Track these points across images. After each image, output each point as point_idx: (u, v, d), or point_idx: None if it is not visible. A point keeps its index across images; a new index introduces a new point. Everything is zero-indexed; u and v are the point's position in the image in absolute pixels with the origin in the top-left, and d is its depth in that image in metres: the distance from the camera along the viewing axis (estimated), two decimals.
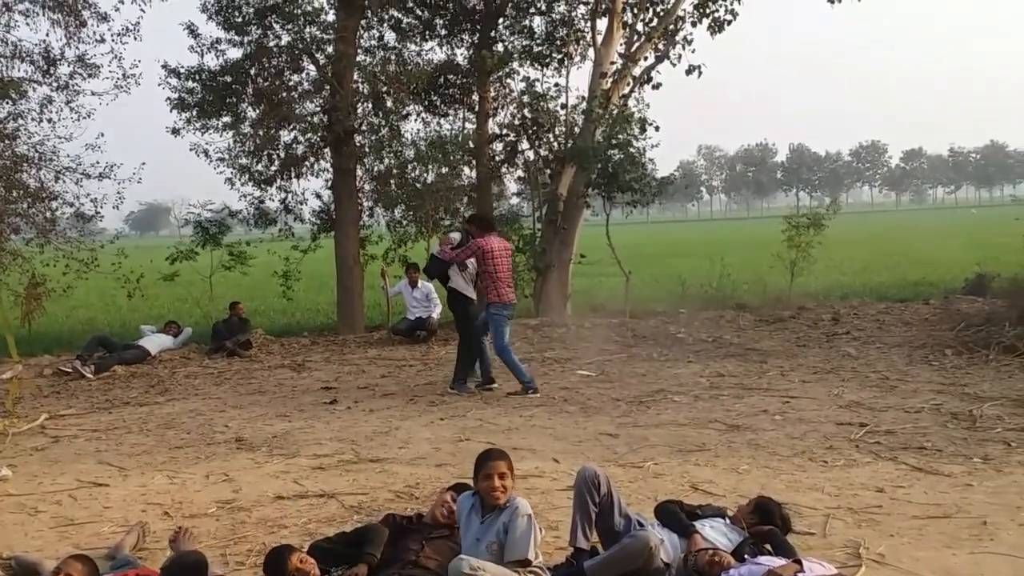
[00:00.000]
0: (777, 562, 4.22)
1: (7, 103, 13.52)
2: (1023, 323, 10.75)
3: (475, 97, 16.65)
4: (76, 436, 8.25)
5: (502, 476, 4.25)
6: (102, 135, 14.61)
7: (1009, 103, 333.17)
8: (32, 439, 8.18)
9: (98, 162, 14.25)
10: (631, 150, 15.36)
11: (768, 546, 4.55)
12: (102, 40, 14.01)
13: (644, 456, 6.86)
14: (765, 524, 4.67)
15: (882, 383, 9.27)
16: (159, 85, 15.06)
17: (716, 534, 4.57)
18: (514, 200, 19.23)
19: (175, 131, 15.26)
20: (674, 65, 16.99)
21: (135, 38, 14.52)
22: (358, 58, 15.41)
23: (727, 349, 11.93)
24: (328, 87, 14.95)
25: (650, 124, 15.70)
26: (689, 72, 16.82)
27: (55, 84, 14.22)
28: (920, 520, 5.19)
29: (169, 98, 15.08)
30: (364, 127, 15.62)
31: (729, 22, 16.93)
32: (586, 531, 4.42)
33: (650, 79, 16.88)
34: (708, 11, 16.84)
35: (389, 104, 15.67)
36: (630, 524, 4.44)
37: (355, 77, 15.29)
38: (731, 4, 16.78)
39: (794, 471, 6.29)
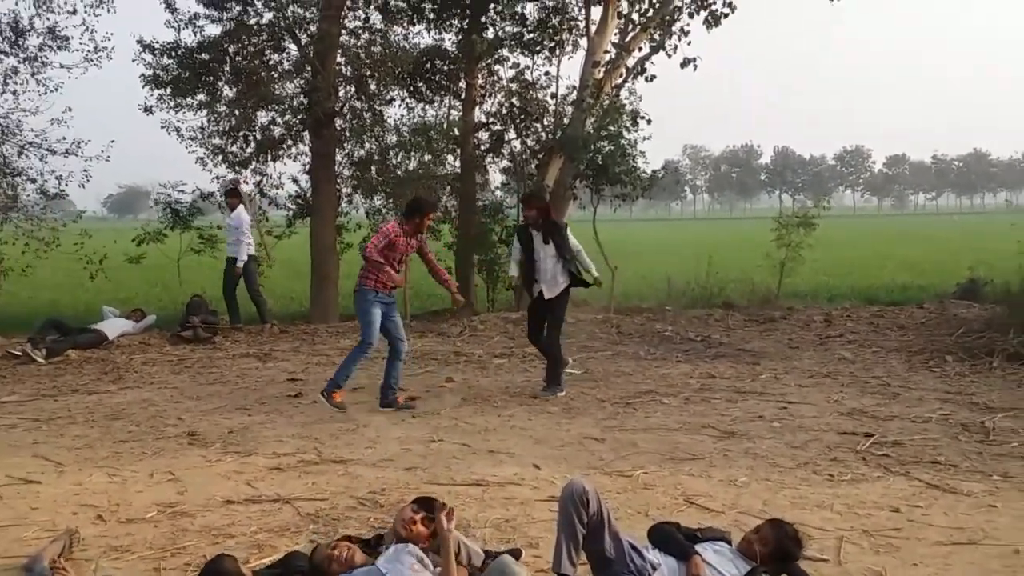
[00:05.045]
0: None
1: None
2: None
3: (462, 84, 16.03)
4: (14, 425, 7.60)
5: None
6: (69, 110, 14.02)
7: (993, 112, 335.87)
8: None
9: (64, 137, 13.69)
10: (622, 142, 14.84)
11: None
12: (74, 11, 13.47)
13: (633, 464, 6.29)
14: (777, 553, 4.08)
15: (883, 390, 8.74)
16: (132, 61, 14.37)
17: (722, 560, 3.99)
18: (499, 194, 18.62)
19: (147, 109, 14.58)
20: (669, 56, 16.43)
21: (109, 10, 13.95)
22: (342, 39, 14.75)
23: (717, 349, 11.40)
24: (309, 68, 14.30)
25: (642, 117, 15.26)
26: (684, 65, 16.28)
27: (23, 56, 13.61)
28: (944, 546, 4.66)
29: (143, 75, 14.37)
30: (346, 111, 14.97)
31: (726, 15, 16.35)
32: (572, 556, 3.82)
33: (644, 70, 16.35)
34: (706, 3, 16.29)
35: (372, 88, 15.07)
36: (622, 548, 3.84)
37: (338, 59, 14.64)
38: None
39: (798, 485, 5.74)
